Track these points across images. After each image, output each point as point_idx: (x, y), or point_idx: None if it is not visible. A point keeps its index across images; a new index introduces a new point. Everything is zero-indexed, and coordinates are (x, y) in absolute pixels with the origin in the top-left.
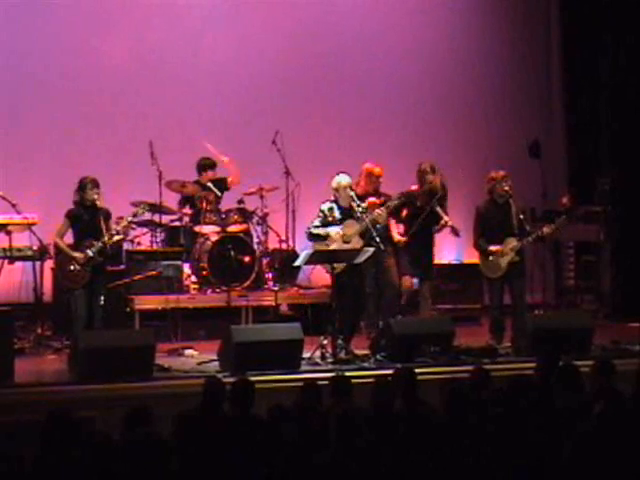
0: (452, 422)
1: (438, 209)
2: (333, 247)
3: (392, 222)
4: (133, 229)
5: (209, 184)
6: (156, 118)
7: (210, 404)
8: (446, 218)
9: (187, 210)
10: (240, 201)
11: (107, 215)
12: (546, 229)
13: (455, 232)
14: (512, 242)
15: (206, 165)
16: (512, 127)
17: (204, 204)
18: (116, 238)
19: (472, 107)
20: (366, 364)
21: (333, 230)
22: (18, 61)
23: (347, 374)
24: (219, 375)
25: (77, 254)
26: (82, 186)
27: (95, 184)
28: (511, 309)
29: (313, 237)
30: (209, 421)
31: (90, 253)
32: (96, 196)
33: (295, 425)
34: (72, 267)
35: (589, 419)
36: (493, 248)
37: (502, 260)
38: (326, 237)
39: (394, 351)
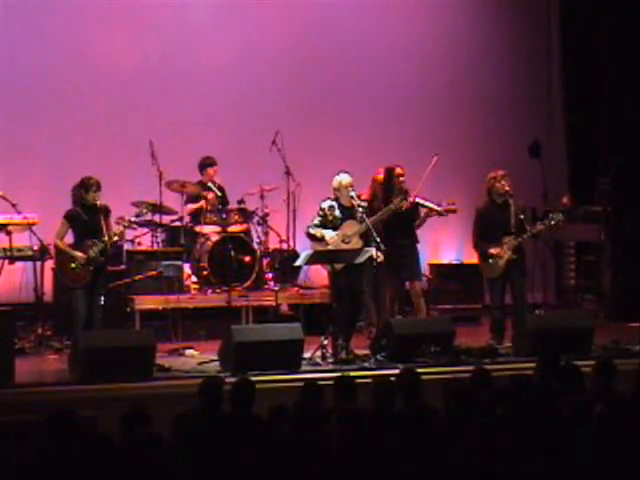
0: (453, 422)
1: (421, 200)
2: (331, 247)
3: None
4: (134, 229)
5: (210, 184)
6: (156, 118)
7: (208, 404)
8: (431, 205)
9: (192, 205)
10: (240, 201)
11: (107, 212)
12: (539, 226)
13: (445, 213)
14: (510, 241)
15: (206, 164)
16: (512, 127)
17: (205, 204)
18: (115, 238)
19: (472, 107)
20: (366, 364)
21: (328, 234)
22: (18, 61)
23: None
24: (220, 375)
25: (79, 253)
26: (86, 187)
27: (99, 187)
28: (512, 309)
29: (310, 237)
30: (209, 421)
31: (92, 253)
32: (98, 199)
33: (295, 425)
34: (73, 265)
35: (590, 419)
36: (493, 251)
37: (500, 260)
38: (321, 239)
39: (394, 351)
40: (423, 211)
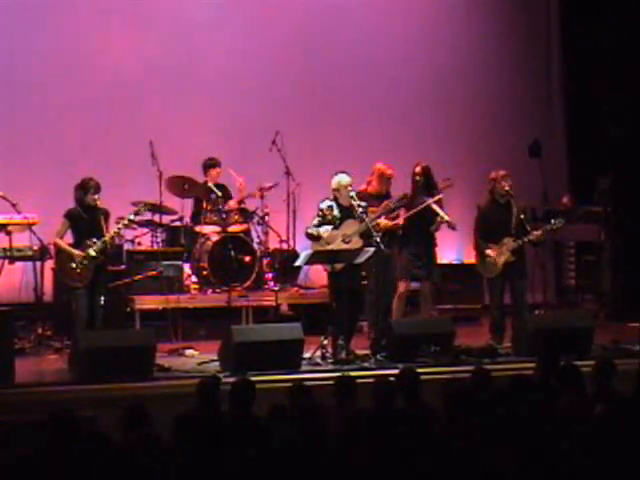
0: (453, 422)
1: (434, 206)
2: (332, 247)
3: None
4: (134, 229)
5: (210, 184)
6: (156, 118)
7: (206, 404)
8: (442, 214)
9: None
10: (241, 201)
11: (106, 215)
12: (536, 232)
13: (452, 226)
14: (509, 242)
15: (210, 165)
16: (512, 127)
17: (205, 204)
18: (113, 234)
19: (472, 107)
20: (366, 364)
21: (323, 230)
22: (18, 61)
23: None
24: (219, 375)
25: (78, 252)
26: (85, 188)
27: (98, 189)
28: (512, 309)
29: (309, 237)
30: (208, 421)
31: (92, 252)
32: (98, 201)
33: (295, 425)
34: (74, 264)
35: (589, 419)
36: (489, 252)
37: (498, 260)
38: (319, 238)
39: (394, 351)
40: (437, 219)
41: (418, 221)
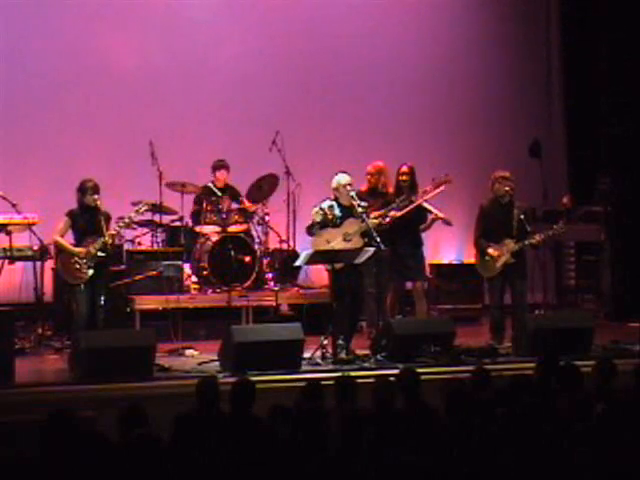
0: (452, 423)
1: (427, 205)
2: (332, 245)
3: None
4: (134, 229)
5: (210, 184)
6: (156, 118)
7: (205, 404)
8: (435, 211)
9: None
10: (241, 201)
11: (107, 218)
12: (537, 237)
13: (447, 223)
14: (509, 244)
15: (217, 166)
16: (512, 127)
17: (205, 204)
18: (110, 241)
19: (472, 107)
20: (366, 364)
21: (315, 211)
22: (19, 61)
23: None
24: (218, 375)
25: (79, 249)
26: (82, 190)
27: (95, 190)
28: (511, 309)
29: (309, 230)
30: (208, 421)
31: (92, 250)
32: (98, 202)
33: (295, 426)
34: (73, 260)
35: (589, 419)
36: (491, 251)
37: (498, 260)
38: (317, 224)
39: (394, 351)
40: (430, 216)
41: (406, 221)
